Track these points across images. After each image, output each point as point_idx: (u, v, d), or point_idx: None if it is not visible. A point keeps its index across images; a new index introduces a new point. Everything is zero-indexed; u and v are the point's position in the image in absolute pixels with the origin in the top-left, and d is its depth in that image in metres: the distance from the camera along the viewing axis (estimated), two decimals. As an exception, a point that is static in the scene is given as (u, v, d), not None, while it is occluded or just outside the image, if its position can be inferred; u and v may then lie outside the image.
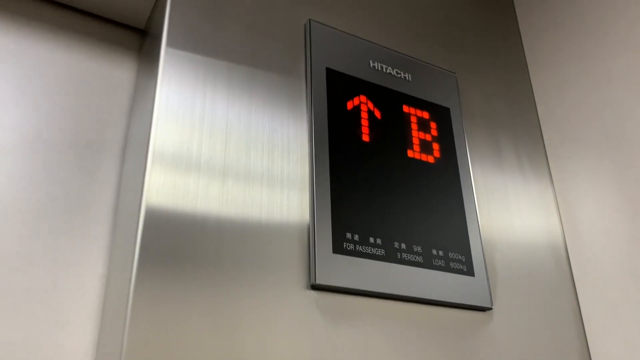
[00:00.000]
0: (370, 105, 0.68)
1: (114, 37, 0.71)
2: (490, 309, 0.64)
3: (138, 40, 0.73)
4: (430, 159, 0.69)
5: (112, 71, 0.69)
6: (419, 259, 0.61)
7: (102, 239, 0.61)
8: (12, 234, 0.57)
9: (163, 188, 0.51)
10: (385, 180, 0.64)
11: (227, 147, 0.56)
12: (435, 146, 0.70)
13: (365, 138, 0.65)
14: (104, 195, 0.63)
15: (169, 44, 0.57)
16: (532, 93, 0.89)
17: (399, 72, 0.73)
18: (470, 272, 0.64)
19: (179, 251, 0.49)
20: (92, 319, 0.57)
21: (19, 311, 0.55)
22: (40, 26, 0.67)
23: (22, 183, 0.59)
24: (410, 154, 0.68)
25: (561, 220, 0.80)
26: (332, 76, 0.66)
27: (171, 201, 0.51)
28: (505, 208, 0.75)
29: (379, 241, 0.60)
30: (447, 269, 0.63)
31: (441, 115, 0.73)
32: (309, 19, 0.68)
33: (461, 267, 0.64)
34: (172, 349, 0.46)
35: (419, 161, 0.68)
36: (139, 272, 0.47)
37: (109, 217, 0.62)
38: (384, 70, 0.71)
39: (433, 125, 0.72)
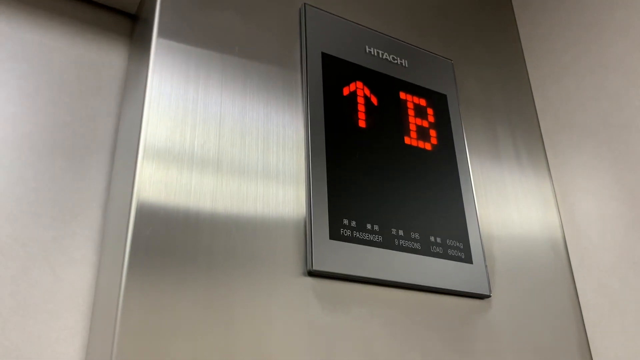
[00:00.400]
0: (367, 91, 0.67)
1: (105, 23, 0.70)
2: (488, 296, 0.64)
3: (129, 25, 0.71)
4: (428, 146, 0.68)
5: (103, 57, 0.68)
6: (417, 245, 0.61)
7: (94, 230, 0.59)
8: (1, 226, 0.56)
9: (155, 180, 0.50)
10: (382, 166, 0.63)
11: (221, 134, 0.55)
12: (432, 133, 0.70)
13: (362, 124, 0.64)
14: (95, 186, 0.61)
15: (160, 31, 0.56)
16: (529, 81, 0.89)
17: (395, 58, 0.72)
18: (468, 259, 0.64)
19: (172, 244, 0.48)
20: (86, 310, 0.56)
21: (10, 303, 0.53)
22: (28, 10, 0.66)
23: (8, 177, 0.58)
24: (407, 140, 0.67)
25: (558, 208, 0.79)
26: (328, 61, 0.65)
27: (164, 193, 0.50)
28: (502, 196, 0.74)
29: (376, 227, 0.59)
30: (445, 256, 0.62)
31: (438, 102, 0.72)
32: (304, 3, 0.67)
33: (459, 254, 0.63)
34: (166, 336, 0.45)
35: (416, 148, 0.67)
36: (131, 263, 0.46)
37: (101, 208, 0.61)
38: (380, 56, 0.70)
39: (430, 111, 0.71)
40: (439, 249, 0.62)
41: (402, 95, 0.69)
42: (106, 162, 0.63)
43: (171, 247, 0.48)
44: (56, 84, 0.64)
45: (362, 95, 0.66)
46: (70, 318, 0.55)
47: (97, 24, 0.69)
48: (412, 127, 0.68)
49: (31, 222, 0.57)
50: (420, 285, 0.59)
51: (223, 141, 0.55)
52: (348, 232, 0.57)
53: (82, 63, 0.66)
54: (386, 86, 0.69)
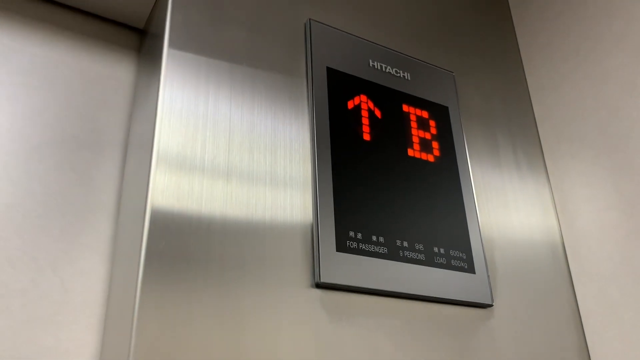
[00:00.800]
0: (371, 104, 0.68)
1: (113, 37, 0.71)
2: (490, 305, 0.65)
3: (137, 40, 0.73)
4: (430, 158, 0.70)
5: (111, 71, 0.69)
6: (421, 256, 0.62)
7: (103, 242, 0.60)
8: (10, 239, 0.57)
9: (168, 189, 0.51)
10: (387, 178, 0.64)
11: (231, 147, 0.57)
12: (435, 145, 0.71)
13: (366, 137, 0.66)
14: (104, 198, 0.62)
15: (171, 44, 0.57)
16: (528, 92, 0.90)
17: (398, 71, 0.73)
18: (471, 269, 0.65)
19: (184, 252, 0.50)
20: (96, 321, 0.57)
21: (20, 316, 0.54)
22: (36, 25, 0.67)
23: (19, 187, 0.59)
24: (410, 152, 0.68)
25: (558, 218, 0.81)
26: (333, 75, 0.66)
27: (176, 202, 0.51)
28: (503, 206, 0.75)
29: (381, 239, 0.60)
30: (448, 266, 0.63)
31: (440, 114, 0.74)
32: (309, 19, 0.69)
33: (462, 264, 0.65)
34: (180, 348, 0.46)
35: (419, 160, 0.69)
36: (146, 274, 0.47)
37: (110, 220, 0.62)
38: (384, 69, 0.72)
39: (432, 123, 0.72)
40: (442, 260, 0.63)
41: (405, 107, 0.71)
42: (114, 175, 0.64)
43: (184, 259, 0.49)
44: (64, 98, 0.65)
45: (366, 108, 0.67)
46: (79, 330, 0.56)
47: (104, 38, 0.70)
48: (415, 139, 0.70)
49: (40, 235, 0.58)
50: (424, 296, 0.60)
51: (232, 154, 0.56)
52: (354, 244, 0.58)
53: (89, 77, 0.67)
54: (389, 99, 0.70)
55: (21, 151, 0.60)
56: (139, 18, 0.70)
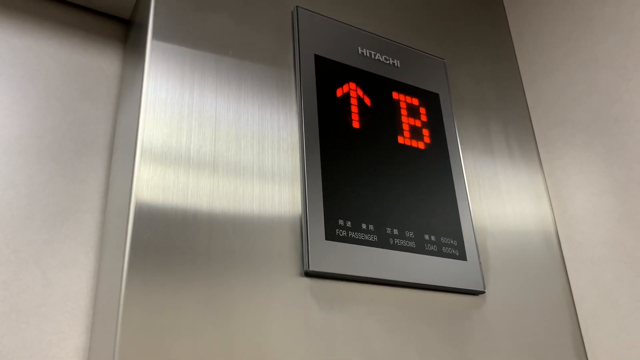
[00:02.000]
0: (360, 92, 0.67)
1: (99, 28, 0.70)
2: (482, 292, 0.65)
3: (123, 30, 0.72)
4: (421, 145, 0.69)
5: (95, 62, 0.68)
6: (412, 244, 0.61)
7: (87, 233, 0.60)
8: (-1, 229, 0.56)
9: (153, 181, 0.50)
10: (377, 166, 0.64)
11: (217, 137, 0.56)
12: (425, 132, 0.70)
13: (356, 125, 0.65)
14: (87, 189, 0.62)
15: (155, 35, 0.57)
16: (520, 77, 0.90)
17: (387, 58, 0.72)
18: (462, 256, 0.64)
19: (170, 244, 0.49)
20: (80, 313, 0.56)
21: (2, 308, 0.54)
22: (18, 15, 0.66)
23: (1, 188, 0.58)
24: (400, 140, 0.67)
25: (551, 203, 0.80)
26: (321, 63, 0.66)
27: (161, 194, 0.50)
28: (495, 192, 0.75)
29: (371, 227, 0.59)
30: (439, 253, 0.63)
31: (430, 101, 0.73)
32: (296, 6, 0.68)
33: (453, 251, 0.64)
34: (167, 338, 0.45)
35: (410, 147, 0.68)
36: (131, 265, 0.46)
37: (94, 211, 0.61)
38: (373, 56, 0.71)
39: (422, 111, 0.71)
40: (433, 247, 0.63)
41: (395, 95, 0.70)
42: (98, 166, 0.63)
43: (170, 249, 0.49)
44: (45, 88, 0.64)
45: (356, 96, 0.67)
46: (63, 321, 0.55)
47: (89, 29, 0.69)
48: (405, 126, 0.69)
49: (22, 226, 0.57)
50: (415, 283, 0.60)
51: (219, 145, 0.56)
52: (344, 232, 0.57)
53: (73, 68, 0.66)
54: (379, 87, 0.69)
55: (1, 142, 0.59)
56: (125, 9, 0.69)
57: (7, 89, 0.62)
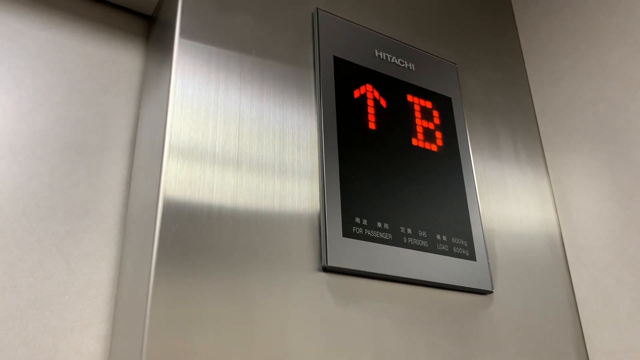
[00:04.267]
0: (376, 94, 0.69)
1: (121, 23, 0.71)
2: (491, 292, 0.67)
3: (145, 26, 0.73)
4: (434, 147, 0.71)
5: (117, 57, 0.69)
6: (424, 243, 0.63)
7: (108, 224, 0.61)
8: (17, 220, 0.57)
9: (180, 175, 0.52)
10: (391, 167, 0.66)
11: (241, 134, 0.57)
12: (438, 135, 0.72)
13: (372, 126, 0.66)
14: (109, 181, 0.63)
15: (182, 33, 0.58)
16: (529, 84, 0.92)
17: (403, 61, 0.74)
18: (472, 256, 0.66)
19: (196, 238, 0.50)
20: (101, 302, 0.58)
21: (27, 295, 0.55)
22: (44, 9, 0.67)
23: (25, 168, 0.59)
24: (414, 142, 0.69)
25: (556, 208, 0.83)
26: (340, 65, 0.67)
27: (188, 189, 0.52)
28: (503, 196, 0.77)
29: (386, 226, 0.61)
30: (450, 253, 0.65)
31: (443, 105, 0.75)
32: (317, 8, 0.69)
33: (464, 251, 0.66)
34: (193, 330, 0.47)
35: (423, 149, 0.70)
36: (159, 259, 0.48)
37: (116, 203, 0.62)
38: (389, 59, 0.73)
39: (436, 114, 0.73)
40: (444, 247, 0.65)
41: (410, 97, 0.72)
42: (119, 158, 0.65)
43: (196, 243, 0.50)
44: (69, 82, 0.65)
45: (372, 97, 0.68)
46: (84, 309, 0.57)
47: (112, 24, 0.71)
48: (419, 128, 0.71)
49: (46, 216, 0.58)
50: (427, 281, 0.62)
51: (242, 141, 0.57)
52: (360, 230, 0.59)
53: (96, 62, 0.67)
54: (394, 89, 0.71)
55: (27, 133, 0.61)
56: (148, 5, 0.70)
57: (32, 81, 0.63)
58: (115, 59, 0.69)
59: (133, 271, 0.53)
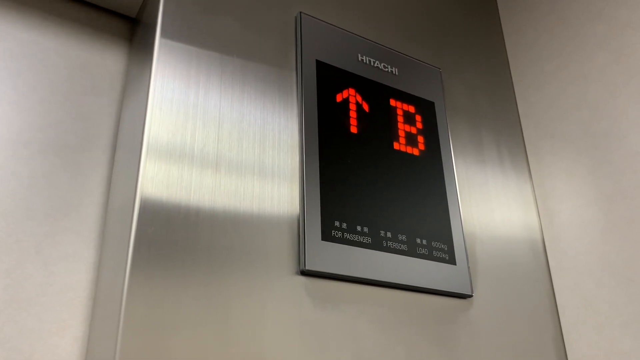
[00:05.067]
0: (359, 98, 0.69)
1: (104, 25, 0.71)
2: (470, 296, 0.67)
3: (129, 28, 0.73)
4: (416, 152, 0.71)
5: (100, 59, 0.69)
6: (404, 247, 0.63)
7: (88, 226, 0.61)
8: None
9: (158, 177, 0.52)
10: (373, 171, 0.66)
11: (220, 137, 0.57)
12: (420, 139, 0.72)
13: (354, 130, 0.67)
14: (90, 183, 0.63)
15: (163, 34, 0.58)
16: (513, 89, 0.92)
17: (386, 66, 0.74)
18: (452, 260, 0.67)
19: (173, 240, 0.50)
20: (79, 304, 0.57)
21: (3, 296, 0.55)
22: (25, 10, 0.67)
23: (4, 169, 0.59)
24: (396, 146, 0.70)
25: (539, 213, 0.83)
26: (322, 68, 0.68)
27: (165, 191, 0.52)
28: (485, 200, 0.77)
29: (365, 229, 0.61)
30: (430, 257, 0.65)
31: (426, 109, 0.75)
32: (300, 12, 0.70)
33: (443, 255, 0.66)
34: (168, 332, 0.47)
35: (405, 153, 0.70)
36: (134, 260, 0.48)
37: (96, 205, 0.62)
38: (372, 64, 0.73)
39: (418, 118, 0.74)
40: (424, 251, 0.65)
41: (392, 102, 0.72)
42: (100, 160, 0.64)
43: (172, 245, 0.50)
44: (51, 83, 0.65)
45: (354, 102, 0.69)
46: (62, 311, 0.56)
47: (95, 26, 0.70)
48: (401, 133, 0.71)
49: (24, 217, 0.58)
50: (406, 285, 0.62)
51: (221, 145, 0.57)
52: (339, 234, 0.59)
53: (78, 64, 0.67)
54: (377, 93, 0.71)
55: (6, 134, 0.60)
56: (131, 7, 0.70)
57: (13, 82, 0.63)
58: (98, 60, 0.69)
59: (110, 273, 0.53)
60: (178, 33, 0.59)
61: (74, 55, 0.68)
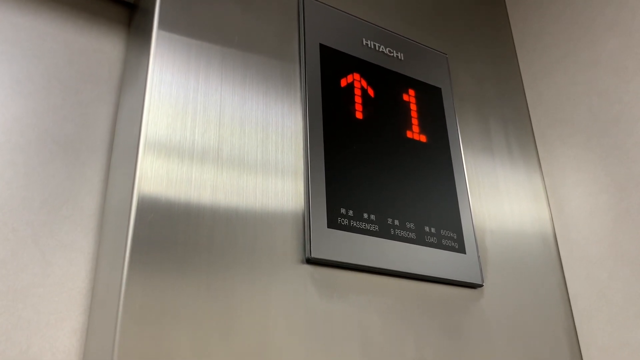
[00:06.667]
0: (364, 83, 0.67)
1: (102, 10, 0.69)
2: (480, 285, 0.65)
3: (127, 14, 0.71)
4: (423, 138, 0.69)
5: (98, 44, 0.67)
6: (412, 235, 0.61)
7: (86, 215, 0.59)
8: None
9: (156, 168, 0.50)
10: (379, 157, 0.64)
11: (221, 125, 0.56)
12: (427, 125, 0.71)
13: (359, 115, 0.65)
14: (87, 171, 0.61)
15: (161, 21, 0.56)
16: (521, 75, 0.90)
17: (391, 50, 0.72)
18: (461, 249, 0.65)
19: (173, 232, 0.49)
20: (77, 294, 0.56)
21: (7, 294, 0.53)
22: (24, -3, 0.65)
23: (2, 160, 0.57)
24: (403, 132, 0.68)
25: (549, 201, 0.81)
26: (326, 53, 0.66)
27: (165, 182, 0.50)
28: (494, 189, 0.75)
29: (372, 217, 0.60)
30: (439, 245, 0.63)
31: (433, 95, 0.73)
32: (303, -5, 0.68)
33: (453, 244, 0.64)
34: (168, 323, 0.45)
35: (412, 140, 0.68)
36: (133, 254, 0.46)
37: (94, 194, 0.60)
38: (377, 48, 0.71)
39: (425, 104, 0.72)
40: (433, 239, 0.63)
41: (398, 87, 0.70)
42: (98, 148, 0.63)
43: (173, 235, 0.48)
44: (47, 69, 0.63)
45: (359, 87, 0.67)
46: (59, 302, 0.55)
47: (93, 11, 0.69)
48: (408, 118, 0.69)
49: (21, 205, 0.56)
50: (414, 274, 0.60)
51: (223, 130, 0.55)
52: (345, 221, 0.57)
53: (76, 49, 0.66)
54: (382, 78, 0.69)
55: (1, 122, 0.59)
56: (129, -9, 0.68)
57: (8, 68, 0.61)
58: (95, 46, 0.67)
59: (108, 264, 0.52)
60: (177, 19, 0.57)
61: (71, 41, 0.66)
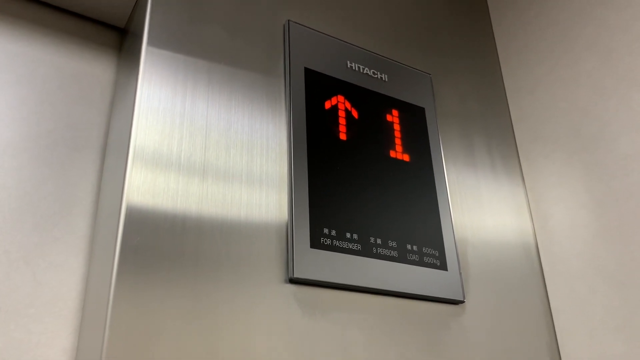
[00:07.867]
0: (348, 104, 0.69)
1: (93, 35, 0.72)
2: (462, 302, 0.67)
3: (118, 39, 0.73)
4: (406, 158, 0.71)
5: (90, 69, 0.69)
6: (394, 253, 0.63)
7: (77, 236, 0.61)
8: (-10, 230, 0.57)
9: (144, 186, 0.52)
10: (362, 177, 0.66)
11: (207, 145, 0.58)
12: (410, 145, 0.72)
13: (343, 137, 0.67)
14: (79, 193, 0.63)
15: (149, 42, 0.58)
16: (505, 94, 0.92)
17: (375, 72, 0.74)
18: (443, 266, 0.66)
19: (159, 250, 0.50)
20: (69, 314, 0.57)
21: (-3, 307, 0.55)
22: (14, 22, 0.67)
23: None
24: (386, 152, 0.70)
25: (532, 217, 0.83)
26: (311, 76, 0.68)
27: (151, 199, 0.52)
28: (478, 205, 0.77)
29: (355, 236, 0.61)
30: (421, 263, 0.65)
31: (416, 115, 0.75)
32: (288, 20, 0.70)
33: (435, 261, 0.66)
34: (154, 341, 0.47)
35: (395, 159, 0.70)
36: (120, 270, 0.48)
37: (85, 215, 0.62)
38: (361, 70, 0.73)
39: (408, 124, 0.74)
40: (415, 257, 0.65)
41: (382, 109, 0.72)
42: (90, 170, 0.65)
43: (159, 253, 0.50)
44: (40, 94, 0.65)
45: (343, 108, 0.69)
46: (50, 322, 0.56)
47: (84, 36, 0.71)
48: (391, 139, 0.71)
49: (13, 228, 0.58)
50: (397, 292, 0.62)
51: (209, 152, 0.57)
52: (328, 241, 0.59)
53: (67, 73, 0.68)
54: (367, 100, 0.71)
55: (-1, 148, 0.61)
56: (120, 17, 0.71)
57: (2, 95, 0.63)
58: (87, 70, 0.69)
59: (97, 282, 0.53)
60: (165, 42, 0.59)
61: (63, 66, 0.68)
